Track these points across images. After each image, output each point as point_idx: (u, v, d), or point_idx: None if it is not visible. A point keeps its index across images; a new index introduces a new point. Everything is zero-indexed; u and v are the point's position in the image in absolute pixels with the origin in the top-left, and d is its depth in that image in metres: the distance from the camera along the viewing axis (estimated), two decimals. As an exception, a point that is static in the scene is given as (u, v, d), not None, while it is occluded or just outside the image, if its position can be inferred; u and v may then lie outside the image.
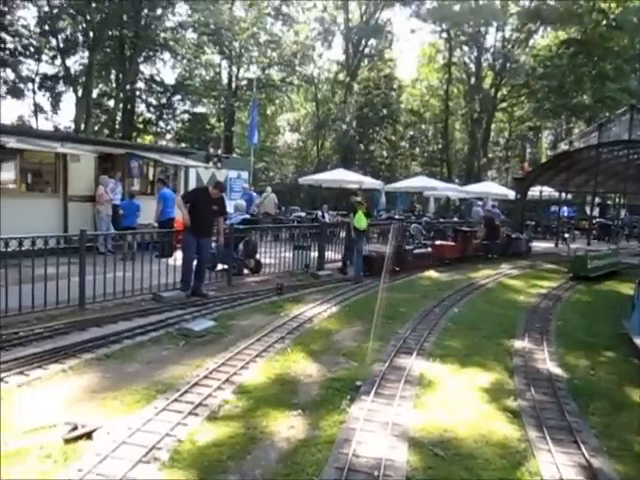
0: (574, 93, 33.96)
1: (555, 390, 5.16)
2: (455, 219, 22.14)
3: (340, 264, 11.98)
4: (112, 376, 5.01)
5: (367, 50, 38.04)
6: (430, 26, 36.68)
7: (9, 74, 29.58)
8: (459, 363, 5.86)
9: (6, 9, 26.96)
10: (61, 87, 31.99)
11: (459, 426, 4.29)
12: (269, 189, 21.32)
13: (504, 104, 38.66)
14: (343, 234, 12.48)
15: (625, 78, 30.87)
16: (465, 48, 37.70)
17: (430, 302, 8.97)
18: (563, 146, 23.28)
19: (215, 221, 8.95)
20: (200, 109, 36.81)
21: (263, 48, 35.60)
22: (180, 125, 37.00)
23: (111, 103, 32.89)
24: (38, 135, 12.85)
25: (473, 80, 37.52)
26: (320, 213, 18.81)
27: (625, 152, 19.62)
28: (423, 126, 41.55)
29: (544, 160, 29.20)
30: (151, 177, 15.08)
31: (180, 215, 9.07)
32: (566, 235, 22.08)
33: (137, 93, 34.06)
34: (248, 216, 12.26)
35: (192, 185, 16.27)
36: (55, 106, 32.85)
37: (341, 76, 38.10)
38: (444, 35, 37.00)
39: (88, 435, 3.73)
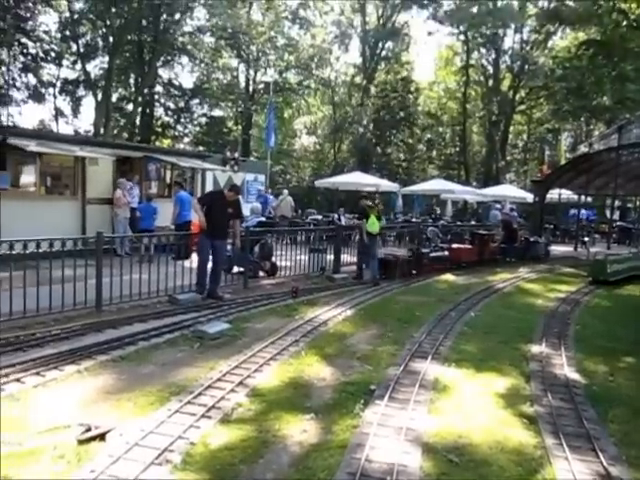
0: (594, 94, 33.44)
1: (573, 396, 5.07)
2: (472, 222, 21.95)
3: (356, 267, 11.93)
4: (127, 378, 5.04)
5: (384, 53, 37.93)
6: (447, 28, 36.47)
7: (31, 79, 30.09)
8: (475, 368, 5.80)
9: (28, 15, 27.39)
10: (81, 91, 32.40)
11: (474, 432, 4.23)
12: (285, 192, 21.35)
13: (522, 106, 38.26)
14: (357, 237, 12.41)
15: (646, 79, 30.36)
16: (483, 50, 37.39)
17: (446, 306, 8.89)
18: (583, 148, 22.93)
19: (231, 224, 8.98)
20: (217, 112, 37.07)
21: (280, 51, 35.74)
22: (198, 128, 37.27)
23: (130, 107, 33.22)
24: (57, 139, 13.02)
25: (491, 82, 37.21)
26: (336, 216, 18.82)
27: (646, 154, 19.28)
28: (440, 129, 41.31)
29: (563, 163, 28.82)
30: (168, 180, 15.20)
31: (197, 218, 9.12)
32: (585, 238, 21.77)
33: (156, 97, 34.38)
34: (264, 219, 12.31)
35: (209, 188, 16.36)
36: (75, 110, 33.30)
37: (358, 79, 38.05)
38: (461, 37, 36.74)
39: (101, 436, 3.75)
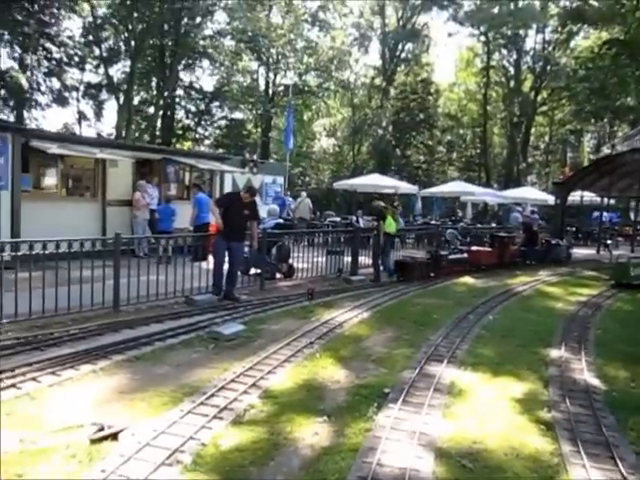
0: (617, 95, 32.91)
1: (592, 402, 4.95)
2: (493, 225, 21.71)
3: (373, 269, 11.89)
4: (141, 378, 5.07)
5: (404, 55, 37.78)
6: (468, 29, 36.24)
7: (55, 83, 30.65)
8: (491, 372, 5.70)
9: (52, 21, 27.90)
10: (104, 95, 32.95)
11: (489, 437, 4.15)
12: (304, 194, 21.41)
13: (544, 107, 37.76)
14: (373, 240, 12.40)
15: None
16: (504, 51, 37.02)
17: (464, 309, 8.78)
18: (606, 150, 22.54)
19: (248, 225, 9.01)
20: (237, 115, 37.29)
21: (300, 54, 35.83)
22: (218, 131, 37.54)
23: (151, 110, 33.58)
24: (79, 141, 13.23)
25: (512, 83, 36.81)
26: (355, 218, 18.77)
27: (672, 155, 18.84)
28: (461, 130, 40.99)
29: (586, 164, 28.39)
30: (187, 182, 15.32)
31: (214, 219, 9.17)
32: (608, 241, 21.38)
33: (176, 100, 34.73)
34: (281, 221, 12.32)
35: (228, 190, 16.43)
36: (98, 113, 33.87)
37: (377, 81, 37.96)
38: (482, 38, 36.45)
39: (114, 436, 3.77)
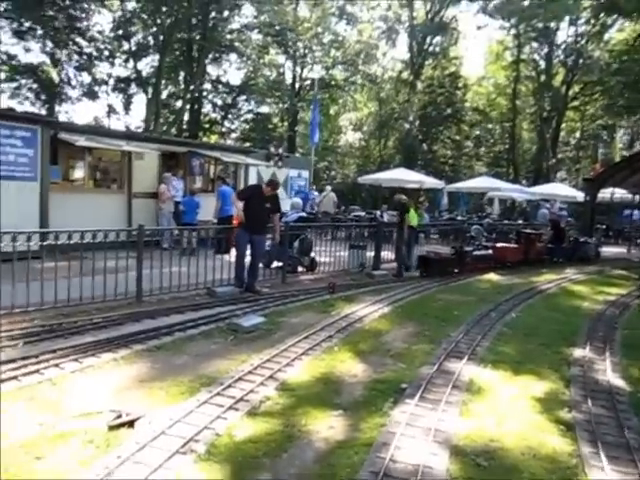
0: (652, 89, 31.98)
1: (615, 403, 4.83)
2: (520, 221, 21.37)
3: (396, 264, 11.82)
4: (160, 367, 5.13)
5: (432, 48, 37.36)
6: (497, 22, 35.54)
7: (85, 77, 31.21)
8: (512, 370, 5.61)
9: (82, 15, 28.35)
10: (133, 89, 33.38)
11: (506, 436, 4.09)
12: (328, 188, 21.40)
13: (576, 102, 36.89)
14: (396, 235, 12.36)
15: None
16: (535, 44, 36.23)
17: (487, 306, 8.66)
18: (639, 146, 21.97)
19: (269, 218, 9.03)
20: (264, 109, 37.43)
21: (327, 48, 35.77)
22: (244, 125, 37.74)
23: (179, 103, 33.96)
24: (106, 134, 13.40)
25: (543, 77, 36.04)
26: (379, 213, 18.69)
27: None
28: (489, 125, 40.38)
29: (617, 160, 27.67)
30: (212, 175, 15.43)
31: (236, 212, 9.22)
32: (639, 240, 20.85)
33: (204, 94, 35.03)
34: (304, 214, 12.32)
35: (252, 183, 16.51)
36: (127, 107, 34.31)
37: (405, 75, 37.63)
38: (512, 31, 35.75)
39: (131, 423, 3.82)
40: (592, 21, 33.78)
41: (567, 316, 8.47)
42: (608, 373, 5.69)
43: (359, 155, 40.57)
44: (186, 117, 34.22)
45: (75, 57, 29.96)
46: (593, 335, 7.26)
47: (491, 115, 39.71)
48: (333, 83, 37.09)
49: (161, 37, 29.17)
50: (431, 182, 23.47)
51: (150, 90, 30.54)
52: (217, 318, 6.96)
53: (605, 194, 22.75)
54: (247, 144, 33.12)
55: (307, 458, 3.61)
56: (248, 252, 8.85)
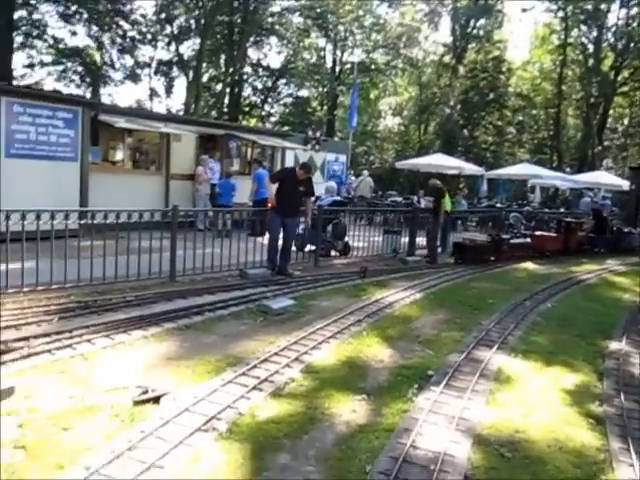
0: None
1: (650, 398, 4.68)
2: (561, 210, 20.78)
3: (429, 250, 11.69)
4: (189, 346, 5.21)
5: (475, 31, 36.43)
6: (544, 4, 34.32)
7: (128, 60, 31.72)
8: (543, 361, 5.48)
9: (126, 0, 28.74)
10: (174, 72, 33.81)
11: (532, 428, 4.00)
12: (365, 172, 21.25)
13: (625, 88, 35.37)
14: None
15: None
16: (583, 27, 34.79)
17: (522, 295, 8.48)
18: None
19: (303, 202, 9.02)
20: (303, 93, 37.33)
21: (368, 31, 35.30)
22: (284, 108, 37.74)
23: (219, 87, 34.19)
24: (145, 116, 13.57)
25: (591, 62, 34.63)
26: (416, 198, 18.45)
27: None
28: (533, 111, 39.15)
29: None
30: (249, 158, 15.51)
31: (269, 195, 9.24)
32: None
33: (244, 77, 35.13)
34: (338, 198, 12.27)
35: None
36: (168, 90, 34.81)
37: (447, 59, 36.83)
38: (560, 14, 34.44)
39: (156, 399, 3.90)
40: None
41: (605, 307, 8.22)
42: (645, 367, 5.50)
43: (398, 140, 40.06)
44: (226, 100, 34.41)
45: (118, 40, 30.46)
46: (631, 328, 7.02)
47: (535, 100, 38.47)
48: (373, 67, 36.63)
49: (203, 20, 29.32)
50: (470, 168, 23.02)
51: (191, 73, 30.81)
52: (247, 300, 7.01)
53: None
54: (286, 128, 33.15)
55: (327, 441, 3.61)
56: (281, 235, 8.87)
